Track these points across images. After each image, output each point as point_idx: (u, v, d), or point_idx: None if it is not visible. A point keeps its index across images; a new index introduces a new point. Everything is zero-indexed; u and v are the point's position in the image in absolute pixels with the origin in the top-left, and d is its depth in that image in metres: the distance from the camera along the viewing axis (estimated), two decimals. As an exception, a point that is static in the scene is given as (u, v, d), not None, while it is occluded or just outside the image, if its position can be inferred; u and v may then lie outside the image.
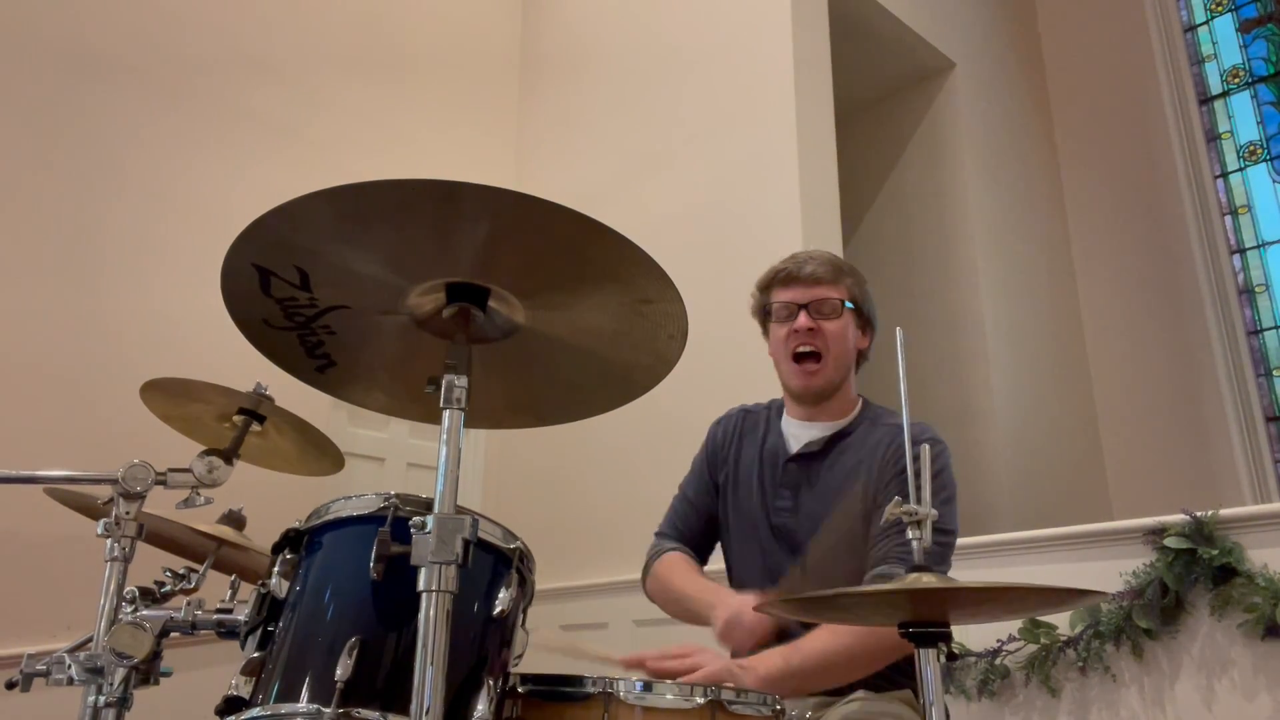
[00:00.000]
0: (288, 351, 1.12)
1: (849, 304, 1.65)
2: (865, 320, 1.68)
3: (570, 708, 1.05)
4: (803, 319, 1.61)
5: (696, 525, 1.77)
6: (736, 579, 1.69)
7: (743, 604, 1.46)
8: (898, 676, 1.52)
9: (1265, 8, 4.82)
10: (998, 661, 2.46)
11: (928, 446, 1.08)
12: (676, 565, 1.71)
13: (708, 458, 1.78)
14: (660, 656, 1.37)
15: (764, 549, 1.63)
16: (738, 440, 1.75)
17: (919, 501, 1.02)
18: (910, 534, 1.01)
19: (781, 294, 1.65)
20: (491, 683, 1.03)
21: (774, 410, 1.76)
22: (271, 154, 3.48)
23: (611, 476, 3.38)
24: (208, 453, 1.42)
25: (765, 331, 1.72)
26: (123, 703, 1.20)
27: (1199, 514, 2.27)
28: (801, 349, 1.62)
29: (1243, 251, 4.59)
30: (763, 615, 1.41)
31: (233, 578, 1.29)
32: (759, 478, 1.67)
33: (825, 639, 1.41)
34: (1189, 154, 4.72)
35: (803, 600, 1.06)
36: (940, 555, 1.48)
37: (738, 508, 1.69)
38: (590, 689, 1.03)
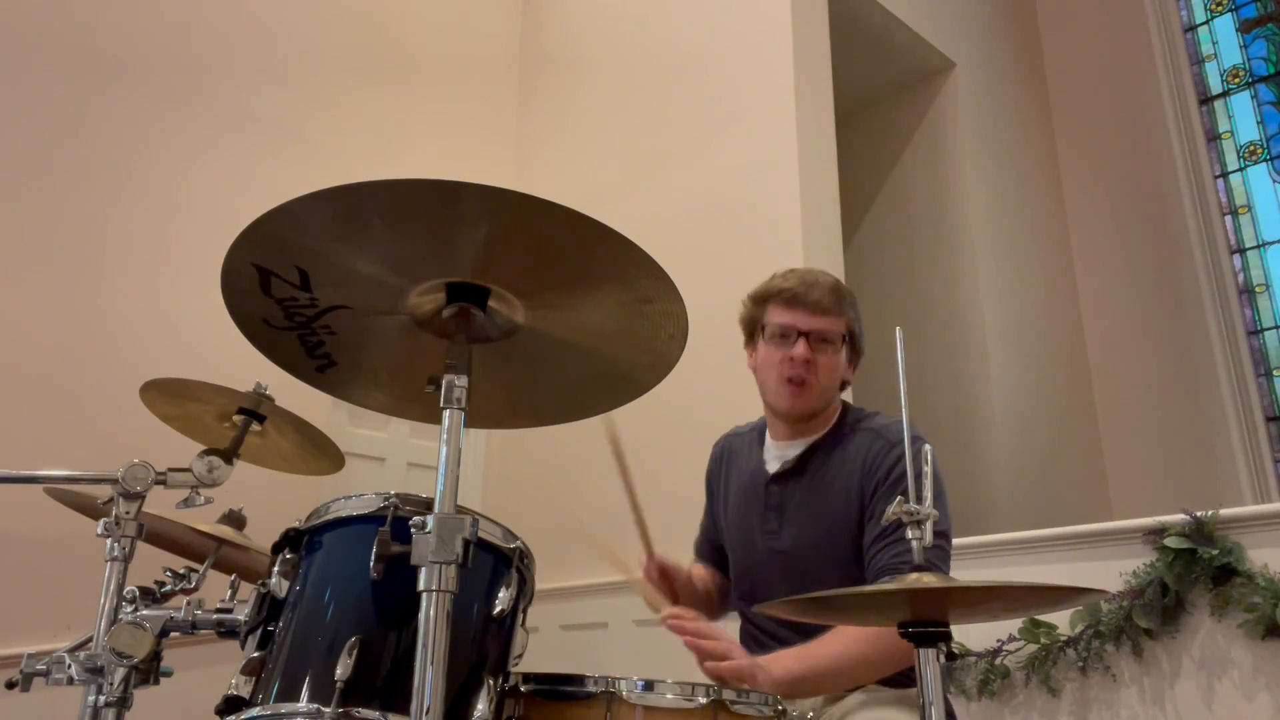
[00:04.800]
0: (288, 351, 1.12)
1: (845, 337, 1.60)
2: (856, 352, 1.64)
3: (572, 706, 1.05)
4: (801, 348, 1.55)
5: (708, 551, 1.81)
6: (742, 606, 1.70)
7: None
8: (905, 678, 1.52)
9: (1265, 8, 4.81)
10: (998, 661, 2.46)
11: (929, 447, 1.08)
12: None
13: (708, 485, 1.80)
14: (697, 630, 1.35)
15: (759, 574, 1.62)
16: (726, 468, 1.75)
17: (919, 501, 1.02)
18: (910, 534, 1.01)
19: (781, 315, 1.59)
20: (491, 682, 1.03)
21: (758, 431, 1.73)
22: (272, 154, 3.48)
23: (611, 476, 3.37)
24: (208, 452, 1.42)
25: (749, 342, 1.68)
26: (123, 702, 1.20)
27: (1199, 514, 2.27)
28: (793, 375, 1.56)
29: (1243, 251, 4.59)
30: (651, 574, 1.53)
31: (233, 577, 1.29)
32: (747, 503, 1.66)
33: (841, 642, 1.40)
34: (1189, 154, 4.72)
35: (803, 600, 1.06)
36: (941, 559, 1.47)
37: (733, 535, 1.69)
38: (592, 688, 1.04)
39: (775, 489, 1.61)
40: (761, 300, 1.63)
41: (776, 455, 1.64)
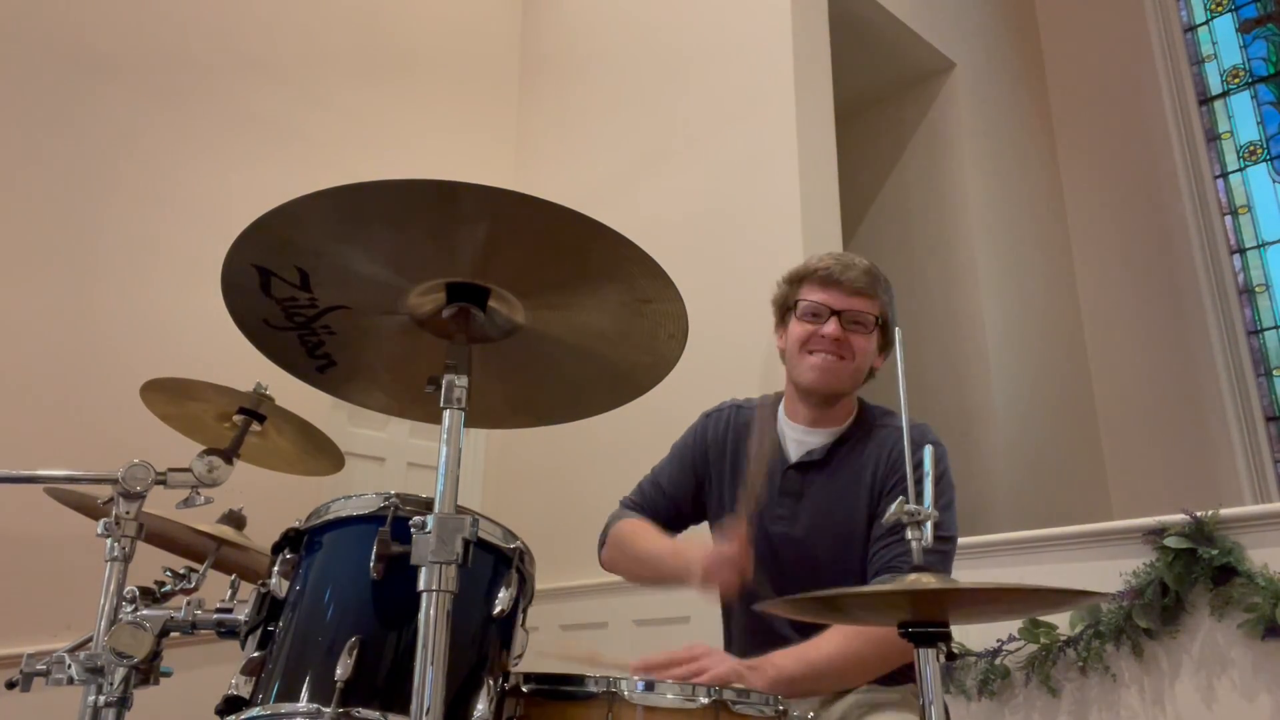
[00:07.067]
0: (288, 351, 1.12)
1: (878, 321, 1.59)
2: (886, 340, 1.62)
3: (573, 707, 1.05)
4: (833, 326, 1.55)
5: (664, 512, 1.72)
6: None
7: (717, 548, 1.43)
8: (900, 673, 1.52)
9: (1265, 8, 4.81)
10: (998, 661, 2.46)
11: (931, 448, 1.08)
12: (638, 528, 1.67)
13: (694, 451, 1.72)
14: (667, 663, 1.34)
15: (761, 557, 1.57)
16: (733, 439, 1.69)
17: (919, 501, 1.02)
18: (910, 534, 1.01)
19: (816, 293, 1.59)
20: (491, 682, 1.03)
21: (768, 410, 1.70)
22: (271, 154, 3.48)
23: (612, 476, 3.37)
24: (208, 452, 1.42)
25: (779, 323, 1.67)
26: (123, 702, 1.20)
27: (1199, 514, 2.27)
28: (824, 351, 1.56)
29: (1243, 251, 4.59)
30: (742, 544, 1.40)
31: (233, 577, 1.29)
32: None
33: (836, 642, 1.40)
34: (1189, 154, 4.72)
35: (803, 600, 1.06)
36: (942, 561, 1.47)
37: (735, 512, 1.64)
38: (593, 689, 1.03)
39: (794, 475, 1.60)
40: (796, 280, 1.63)
41: (798, 441, 1.62)
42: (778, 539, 1.58)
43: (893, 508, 1.01)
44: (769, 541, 1.59)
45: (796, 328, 1.60)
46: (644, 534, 1.66)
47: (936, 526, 1.46)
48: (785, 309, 1.65)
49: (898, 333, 1.18)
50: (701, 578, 1.43)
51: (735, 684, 1.26)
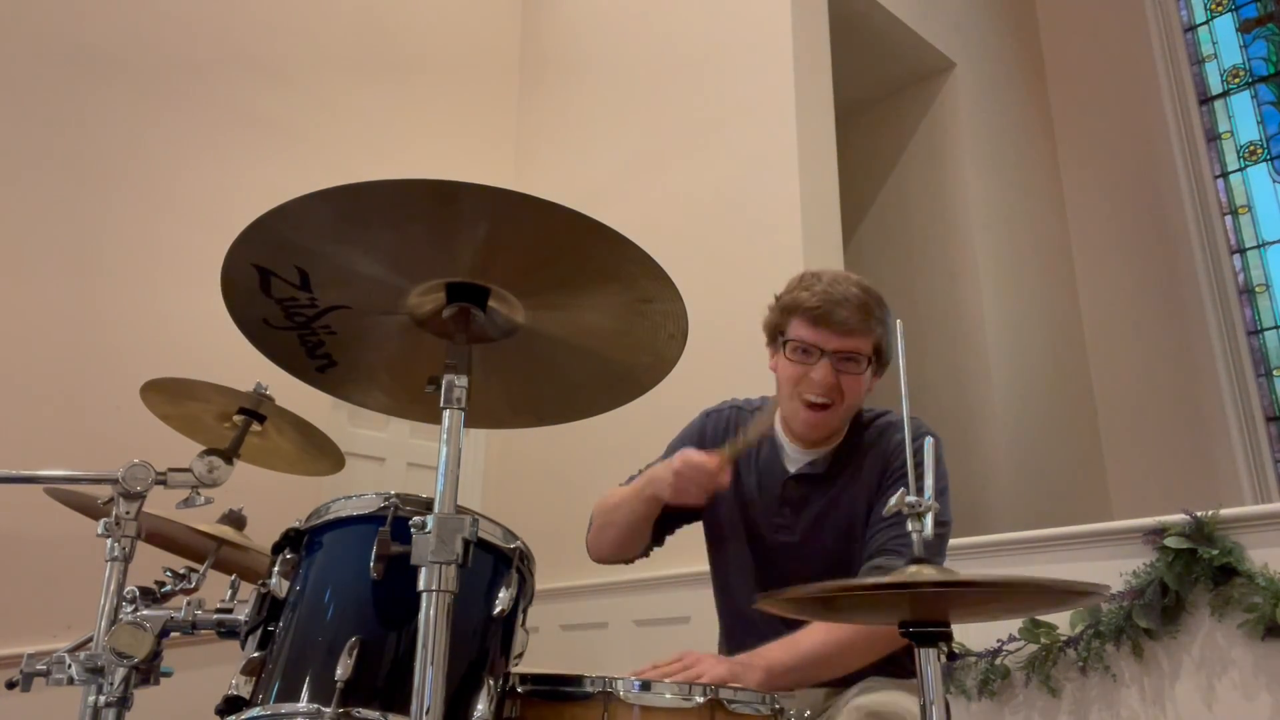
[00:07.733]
0: (288, 351, 1.12)
1: (872, 355, 1.54)
2: (883, 364, 1.58)
3: (570, 707, 1.05)
4: (824, 371, 1.49)
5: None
6: (730, 588, 1.65)
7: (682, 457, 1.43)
8: (904, 667, 1.52)
9: (1265, 8, 4.81)
10: (998, 661, 2.46)
11: (931, 440, 1.08)
12: (609, 493, 1.68)
13: (693, 448, 1.67)
14: (661, 675, 1.31)
15: (760, 564, 1.59)
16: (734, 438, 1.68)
17: (920, 494, 1.01)
18: (910, 526, 1.01)
19: (805, 331, 1.51)
20: (491, 682, 1.03)
21: (767, 415, 1.68)
22: (272, 154, 3.48)
23: (612, 477, 3.37)
24: (208, 452, 1.42)
25: (771, 344, 1.63)
26: (123, 702, 1.20)
27: (1199, 514, 2.27)
28: (815, 399, 1.51)
29: (1243, 251, 4.59)
30: (721, 461, 1.41)
31: (233, 578, 1.29)
32: (755, 493, 1.62)
33: (824, 628, 1.41)
34: (1189, 154, 4.72)
35: (800, 599, 1.06)
36: (937, 546, 1.48)
37: (734, 517, 1.64)
38: (589, 689, 1.04)
39: (793, 485, 1.59)
40: (787, 310, 1.56)
41: (797, 457, 1.61)
42: (779, 548, 1.58)
43: (893, 500, 1.01)
44: (770, 551, 1.58)
45: (786, 365, 1.56)
46: (614, 490, 1.67)
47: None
48: (775, 335, 1.60)
49: (898, 324, 1.18)
50: (674, 484, 1.43)
51: (731, 684, 1.26)
